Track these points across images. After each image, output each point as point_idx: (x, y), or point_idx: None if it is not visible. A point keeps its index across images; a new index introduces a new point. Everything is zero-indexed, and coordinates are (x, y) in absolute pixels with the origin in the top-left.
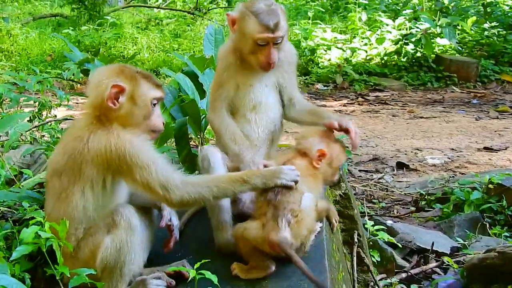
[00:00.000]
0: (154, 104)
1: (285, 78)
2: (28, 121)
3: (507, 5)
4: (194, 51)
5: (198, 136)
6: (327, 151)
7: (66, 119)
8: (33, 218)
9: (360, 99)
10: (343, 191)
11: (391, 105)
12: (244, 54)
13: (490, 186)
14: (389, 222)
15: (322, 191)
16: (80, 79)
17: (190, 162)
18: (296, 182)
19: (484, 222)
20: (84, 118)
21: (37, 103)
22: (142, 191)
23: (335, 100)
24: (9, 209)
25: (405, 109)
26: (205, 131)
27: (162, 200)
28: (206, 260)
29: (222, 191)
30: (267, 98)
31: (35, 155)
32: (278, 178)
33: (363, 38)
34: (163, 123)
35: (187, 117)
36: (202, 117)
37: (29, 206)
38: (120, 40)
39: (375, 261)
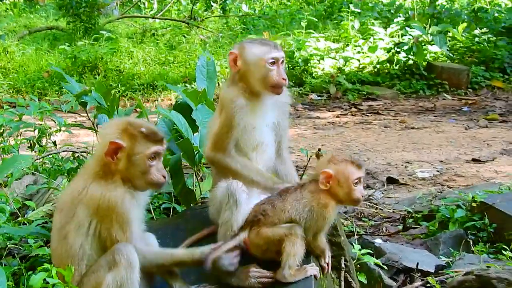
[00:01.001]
0: (152, 159)
1: (282, 119)
2: (28, 147)
3: (497, 11)
4: (189, 64)
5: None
6: (332, 172)
7: (66, 150)
8: (37, 255)
9: (353, 109)
10: None
11: (383, 115)
12: (255, 83)
13: (473, 204)
14: (378, 241)
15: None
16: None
17: (185, 196)
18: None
19: (468, 239)
20: (93, 163)
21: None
22: (107, 242)
23: (329, 111)
24: (15, 245)
25: (397, 119)
26: (199, 165)
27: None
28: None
29: (174, 263)
30: (267, 138)
31: (38, 185)
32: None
33: (356, 46)
34: (164, 176)
35: (182, 153)
36: (195, 152)
37: (34, 243)
38: (116, 54)
39: (363, 283)
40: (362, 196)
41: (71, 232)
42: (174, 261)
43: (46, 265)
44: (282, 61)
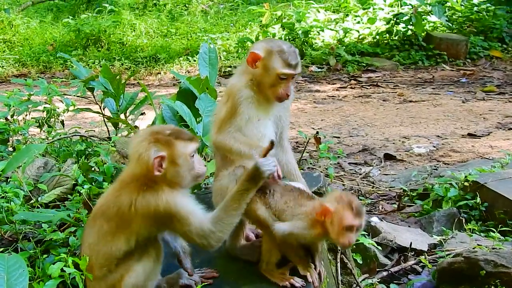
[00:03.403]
0: (192, 156)
1: (284, 112)
2: (37, 126)
3: None
4: (191, 36)
5: None
6: (332, 209)
7: (75, 134)
8: (51, 239)
9: (352, 81)
10: None
11: (382, 87)
12: (264, 87)
13: (466, 183)
14: (374, 220)
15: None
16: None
17: None
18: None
19: (460, 218)
20: (133, 182)
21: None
22: (183, 239)
23: (329, 84)
24: (30, 230)
25: (396, 92)
26: (202, 152)
27: (200, 246)
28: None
29: (239, 210)
30: (270, 131)
31: (48, 167)
32: (261, 172)
33: (356, 17)
34: (205, 166)
35: None
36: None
37: (48, 227)
38: (119, 27)
39: (359, 262)
40: (349, 243)
41: (122, 239)
42: (237, 199)
43: (62, 255)
44: (293, 77)
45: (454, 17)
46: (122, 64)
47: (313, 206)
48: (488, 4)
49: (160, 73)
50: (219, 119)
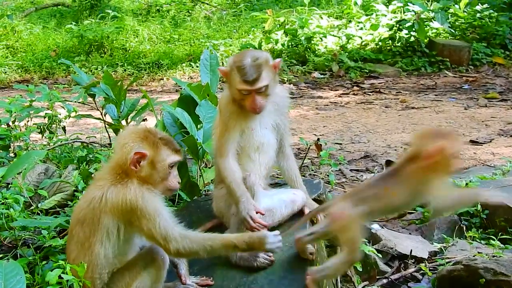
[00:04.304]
0: (172, 167)
1: (282, 119)
2: (38, 132)
3: None
4: (194, 42)
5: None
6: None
7: (76, 140)
8: (51, 245)
9: (355, 88)
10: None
11: (385, 93)
12: (237, 100)
13: None
14: (375, 227)
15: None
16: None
17: (190, 189)
18: (279, 247)
19: (461, 225)
20: (107, 170)
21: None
22: (146, 239)
23: (331, 90)
24: (30, 236)
25: (398, 98)
26: (203, 159)
27: (162, 248)
28: None
29: (214, 251)
30: (267, 139)
31: (49, 173)
32: (264, 244)
33: (359, 23)
34: (179, 182)
35: (186, 149)
36: (199, 148)
37: (47, 234)
38: (122, 33)
39: (359, 270)
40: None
41: (97, 243)
42: (223, 244)
43: (60, 262)
44: (261, 91)
45: (457, 23)
46: (125, 70)
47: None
48: (491, 11)
49: (162, 79)
50: (217, 137)
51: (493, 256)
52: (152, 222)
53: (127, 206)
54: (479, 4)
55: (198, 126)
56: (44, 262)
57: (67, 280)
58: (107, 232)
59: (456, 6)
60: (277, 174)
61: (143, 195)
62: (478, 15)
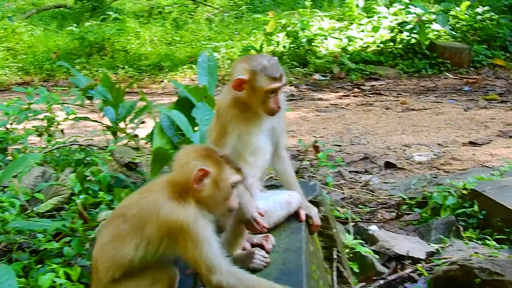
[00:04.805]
0: (233, 187)
1: (279, 122)
2: (37, 135)
3: None
4: (195, 44)
5: None
6: None
7: (74, 143)
8: (46, 249)
9: (355, 89)
10: (322, 214)
11: (385, 95)
12: (253, 105)
13: (464, 191)
14: (373, 228)
15: None
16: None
17: None
18: None
19: (458, 226)
20: (165, 184)
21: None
22: (189, 263)
23: (332, 92)
24: (25, 239)
25: (399, 100)
26: None
27: (203, 277)
28: None
29: None
30: (263, 143)
31: (46, 176)
32: None
33: (360, 25)
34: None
35: None
36: None
37: (43, 237)
38: (123, 35)
39: (356, 271)
40: None
41: (131, 244)
42: None
43: (54, 266)
44: (283, 87)
45: (457, 25)
46: (126, 72)
47: None
48: (492, 13)
49: (163, 81)
50: (213, 141)
51: (489, 256)
52: (199, 249)
53: (177, 226)
54: (480, 6)
55: (195, 129)
56: (39, 266)
57: (60, 284)
58: (147, 241)
59: (457, 8)
60: (274, 175)
61: (197, 219)
62: (479, 17)
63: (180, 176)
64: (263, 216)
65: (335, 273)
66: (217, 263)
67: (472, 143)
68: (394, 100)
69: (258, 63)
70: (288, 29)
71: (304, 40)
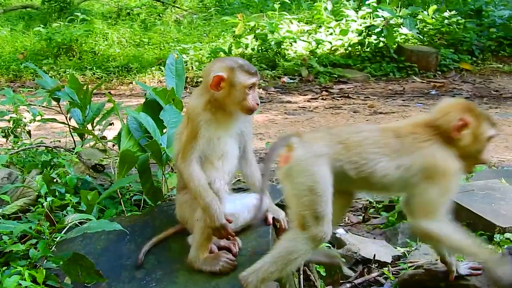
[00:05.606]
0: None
1: (246, 126)
2: (3, 136)
3: None
4: (164, 46)
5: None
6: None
7: (41, 145)
8: (11, 251)
9: (324, 92)
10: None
11: (353, 98)
12: (231, 104)
13: None
14: (340, 231)
15: None
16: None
17: (153, 194)
18: None
19: None
20: (418, 126)
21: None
22: (414, 205)
23: (300, 95)
24: None
25: (366, 103)
26: (166, 164)
27: (415, 221)
28: None
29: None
30: (231, 147)
31: (12, 178)
32: None
33: (329, 28)
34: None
35: (150, 154)
36: (163, 153)
37: (8, 239)
38: (91, 36)
39: (323, 274)
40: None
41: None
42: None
43: (19, 268)
44: (256, 84)
45: (425, 29)
46: (94, 74)
47: None
48: (459, 18)
49: (132, 83)
50: (181, 143)
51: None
52: (436, 193)
53: (439, 168)
54: (447, 10)
55: (163, 131)
56: (4, 268)
57: (26, 286)
58: (407, 167)
59: (425, 12)
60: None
61: (456, 169)
62: (446, 21)
63: (440, 121)
64: (231, 222)
65: (301, 276)
66: (439, 213)
67: None
68: (362, 104)
69: (234, 61)
70: (257, 31)
71: (273, 43)
